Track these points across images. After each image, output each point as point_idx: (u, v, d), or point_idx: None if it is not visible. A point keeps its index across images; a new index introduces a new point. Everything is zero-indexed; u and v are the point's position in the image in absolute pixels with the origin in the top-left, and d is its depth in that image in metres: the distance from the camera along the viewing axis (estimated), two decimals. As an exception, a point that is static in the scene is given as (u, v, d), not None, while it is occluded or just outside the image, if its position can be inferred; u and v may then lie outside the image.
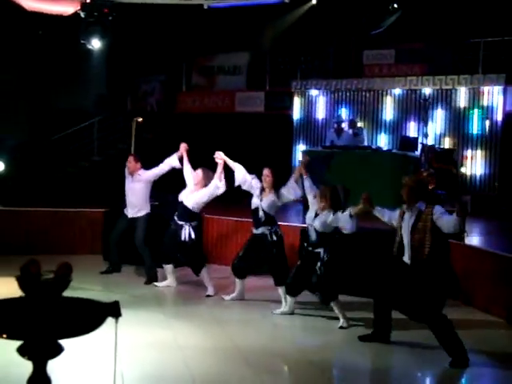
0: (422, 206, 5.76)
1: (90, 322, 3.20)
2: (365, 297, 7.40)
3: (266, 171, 7.32)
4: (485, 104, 12.55)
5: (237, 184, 7.63)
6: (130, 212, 8.63)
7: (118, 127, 15.46)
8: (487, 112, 12.55)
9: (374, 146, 12.39)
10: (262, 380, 5.12)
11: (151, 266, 8.58)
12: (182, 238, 7.94)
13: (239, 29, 13.94)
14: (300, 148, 14.12)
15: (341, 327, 6.61)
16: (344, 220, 6.43)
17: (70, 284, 3.35)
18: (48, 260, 3.65)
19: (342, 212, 6.48)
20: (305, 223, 7.25)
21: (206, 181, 7.94)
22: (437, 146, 12.60)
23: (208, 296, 7.94)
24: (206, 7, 12.50)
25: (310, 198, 6.98)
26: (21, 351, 3.16)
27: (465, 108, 12.78)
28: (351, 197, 11.27)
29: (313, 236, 6.73)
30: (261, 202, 7.31)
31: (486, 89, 12.50)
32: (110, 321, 3.42)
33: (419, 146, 12.49)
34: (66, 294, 3.48)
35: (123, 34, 13.75)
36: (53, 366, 3.35)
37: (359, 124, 13.33)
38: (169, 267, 8.31)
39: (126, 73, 16.15)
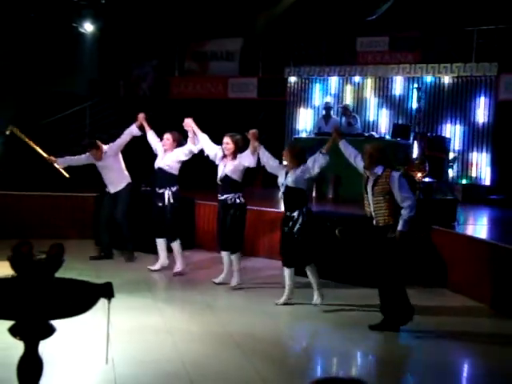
0: (380, 169, 5.95)
1: (82, 302, 3.20)
2: (360, 285, 7.46)
3: (225, 139, 7.44)
4: (478, 92, 12.57)
5: (205, 153, 7.73)
6: (111, 188, 8.67)
7: (109, 112, 15.38)
8: (481, 100, 12.56)
9: (366, 134, 12.39)
10: (253, 365, 5.13)
11: (129, 241, 8.66)
12: (161, 204, 8.02)
13: (232, 14, 13.86)
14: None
15: (315, 305, 6.72)
16: (315, 159, 6.64)
17: (62, 265, 3.34)
18: (38, 244, 3.63)
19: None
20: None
21: (177, 142, 8.03)
22: (429, 133, 12.61)
23: (175, 274, 8.03)
24: (199, -8, 12.44)
25: (270, 166, 7.06)
26: (13, 331, 3.15)
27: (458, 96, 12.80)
28: (343, 184, 11.44)
29: (286, 197, 6.80)
30: (224, 167, 7.44)
31: (479, 77, 12.51)
32: (101, 303, 3.42)
33: (411, 134, 12.53)
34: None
35: (116, 18, 13.65)
36: (44, 347, 3.35)
37: (351, 110, 13.29)
38: (161, 242, 8.29)
39: (118, 57, 16.04)
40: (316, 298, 6.84)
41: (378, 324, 6.10)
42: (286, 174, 6.80)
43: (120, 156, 8.73)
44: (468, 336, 6.15)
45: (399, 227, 5.84)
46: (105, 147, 8.67)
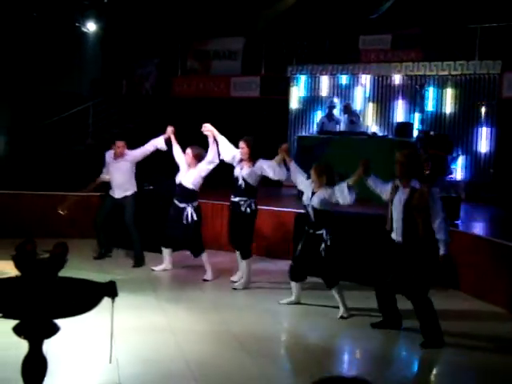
0: (416, 183, 5.72)
1: (86, 301, 3.20)
2: (364, 284, 7.43)
3: (241, 143, 7.47)
4: (481, 90, 12.55)
5: (221, 157, 7.72)
6: (117, 192, 8.63)
7: (112, 111, 15.40)
8: (483, 98, 12.53)
9: (369, 132, 12.39)
10: (257, 364, 5.14)
11: (139, 248, 8.62)
12: (185, 221, 7.94)
13: (235, 13, 13.85)
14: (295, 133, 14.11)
15: (341, 317, 6.52)
16: (342, 191, 6.39)
17: (66, 264, 3.35)
18: (42, 243, 3.63)
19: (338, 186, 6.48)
20: (299, 209, 7.24)
21: (198, 158, 7.95)
22: (431, 131, 12.59)
23: (205, 280, 7.96)
24: (201, -9, 12.44)
25: (299, 181, 6.95)
26: (17, 330, 3.16)
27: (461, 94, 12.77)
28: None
29: (312, 217, 6.64)
30: (241, 170, 7.43)
31: (482, 75, 12.47)
32: (105, 302, 3.42)
33: (414, 132, 12.52)
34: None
35: (118, 17, 13.65)
36: (49, 346, 3.35)
37: (354, 108, 13.26)
38: (167, 250, 8.32)
39: (121, 57, 16.06)
40: (342, 311, 6.58)
41: (380, 322, 6.11)
42: (313, 194, 6.61)
43: (135, 166, 8.68)
44: (479, 339, 6.12)
45: (443, 251, 5.59)
46: (127, 150, 8.60)
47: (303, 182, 6.86)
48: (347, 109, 12.90)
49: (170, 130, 8.32)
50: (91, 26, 12.13)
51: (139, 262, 8.57)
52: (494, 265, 7.25)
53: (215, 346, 5.54)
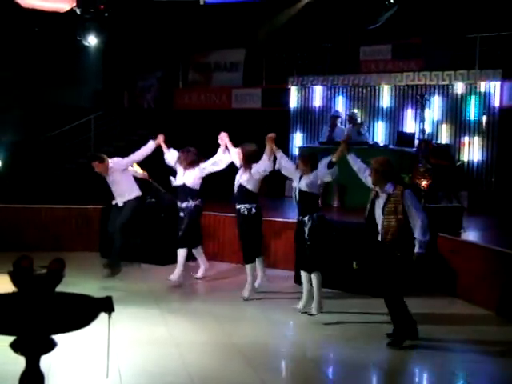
0: (390, 188, 5.88)
1: (82, 317, 3.20)
2: (359, 293, 7.44)
3: (237, 150, 7.69)
4: (481, 99, 12.54)
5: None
6: (120, 200, 8.58)
7: (114, 124, 15.44)
8: (484, 108, 12.52)
9: (370, 142, 12.38)
10: (259, 376, 5.12)
11: (116, 254, 8.44)
12: (181, 214, 8.24)
13: (235, 25, 13.91)
14: (296, 143, 14.12)
15: (310, 314, 6.71)
16: (324, 168, 6.70)
17: (62, 279, 3.34)
18: (45, 257, 3.63)
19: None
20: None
21: (191, 159, 8.21)
22: (434, 141, 12.58)
23: (196, 279, 8.23)
24: (202, 3, 12.48)
25: (286, 169, 7.18)
26: (14, 347, 3.15)
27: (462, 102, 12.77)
28: (348, 193, 11.42)
29: (300, 202, 6.87)
30: (240, 178, 7.56)
31: (482, 84, 12.47)
32: (104, 316, 3.41)
33: (416, 142, 12.50)
34: (61, 290, 3.47)
35: (119, 30, 13.71)
36: (46, 362, 3.34)
37: (359, 119, 13.25)
38: (182, 252, 8.30)
39: (122, 69, 16.12)
40: (314, 308, 6.78)
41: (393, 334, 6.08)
42: (300, 178, 6.90)
43: (129, 170, 8.67)
44: (475, 343, 6.13)
45: (417, 249, 5.73)
46: (110, 162, 8.49)
47: (291, 170, 7.13)
48: (352, 119, 12.87)
49: (161, 137, 8.51)
50: (92, 40, 12.15)
51: (114, 271, 8.40)
52: (488, 270, 7.26)
53: (218, 358, 5.53)
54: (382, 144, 12.60)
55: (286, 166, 7.18)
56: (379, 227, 5.94)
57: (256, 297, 7.61)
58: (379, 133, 13.49)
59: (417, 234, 5.75)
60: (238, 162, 7.76)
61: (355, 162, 6.53)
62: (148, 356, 5.48)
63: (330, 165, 6.69)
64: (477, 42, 12.61)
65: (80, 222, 10.43)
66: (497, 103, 12.32)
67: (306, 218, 6.80)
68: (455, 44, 13.05)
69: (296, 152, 13.20)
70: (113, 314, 3.35)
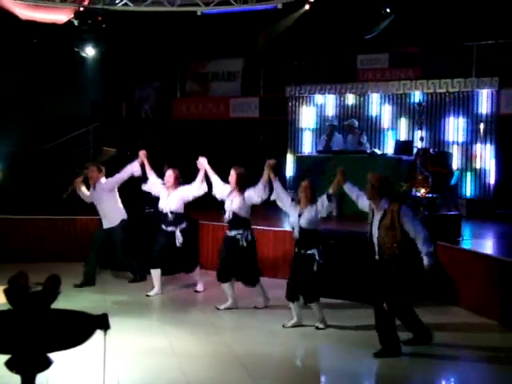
0: (386, 204, 5.86)
1: (78, 335, 3.18)
2: (363, 302, 7.41)
3: (231, 171, 7.44)
4: (478, 107, 12.56)
5: (214, 193, 7.75)
6: (104, 223, 8.62)
7: (112, 134, 15.45)
8: (481, 116, 12.54)
9: (368, 151, 12.38)
10: (257, 386, 5.11)
11: (137, 268, 8.77)
12: (177, 244, 8.06)
13: (233, 35, 13.94)
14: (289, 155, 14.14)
15: (317, 327, 6.68)
16: (323, 203, 6.59)
17: (58, 296, 3.34)
18: (43, 268, 3.64)
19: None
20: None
21: (179, 179, 8.12)
22: (431, 149, 12.58)
23: (196, 291, 8.19)
24: (199, 14, 12.54)
25: (282, 202, 6.99)
26: (9, 365, 3.14)
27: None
28: (347, 202, 11.40)
29: (301, 238, 6.71)
30: (231, 203, 7.37)
31: (479, 92, 12.50)
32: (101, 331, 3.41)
33: (414, 150, 12.50)
34: (61, 301, 3.48)
35: (117, 40, 13.75)
36: (43, 376, 3.33)
37: (356, 127, 13.24)
38: (156, 273, 8.24)
39: (120, 79, 16.15)
40: (320, 323, 6.76)
41: (410, 340, 6.09)
42: (299, 215, 6.70)
43: (116, 192, 8.64)
44: (475, 353, 6.12)
45: (426, 262, 5.70)
46: (103, 179, 8.56)
47: (287, 204, 6.94)
48: (351, 128, 12.85)
49: (142, 153, 8.37)
50: (90, 51, 12.21)
51: (141, 278, 8.74)
52: (489, 279, 7.25)
53: (218, 368, 5.52)
54: (379, 152, 12.60)
55: (283, 198, 6.96)
56: (375, 244, 5.91)
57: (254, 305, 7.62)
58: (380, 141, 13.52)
59: (422, 247, 5.72)
60: (218, 190, 7.56)
61: (352, 192, 6.44)
62: (147, 367, 5.48)
63: (329, 198, 6.59)
64: (473, 49, 12.65)
65: (79, 233, 10.41)
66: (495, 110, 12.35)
67: (315, 252, 6.62)
68: (452, 52, 13.08)
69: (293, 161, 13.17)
70: (112, 325, 3.34)
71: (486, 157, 12.47)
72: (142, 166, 8.38)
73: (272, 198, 7.10)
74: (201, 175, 7.88)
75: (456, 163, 12.63)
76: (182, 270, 8.38)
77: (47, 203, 11.78)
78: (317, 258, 6.62)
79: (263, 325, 6.93)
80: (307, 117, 14.28)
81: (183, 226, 8.15)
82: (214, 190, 7.69)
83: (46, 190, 13.10)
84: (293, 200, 6.91)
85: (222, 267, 7.48)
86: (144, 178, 8.42)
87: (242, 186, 7.33)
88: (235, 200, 7.34)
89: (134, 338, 6.17)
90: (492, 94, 12.36)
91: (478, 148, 12.53)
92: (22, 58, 14.33)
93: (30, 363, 3.14)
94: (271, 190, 7.13)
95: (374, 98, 13.59)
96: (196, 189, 7.98)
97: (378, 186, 5.90)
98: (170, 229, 8.09)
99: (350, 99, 13.86)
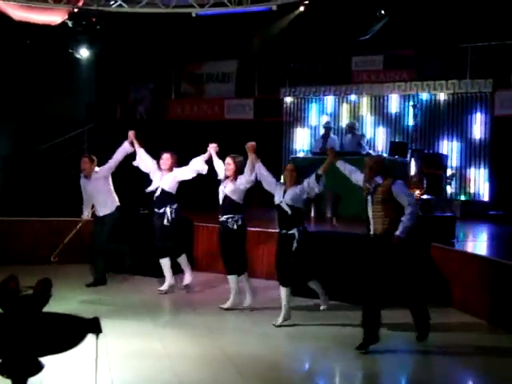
0: (380, 179, 5.95)
1: (70, 339, 3.17)
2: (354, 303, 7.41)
3: (227, 159, 7.49)
4: (474, 108, 12.60)
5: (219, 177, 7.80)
6: (99, 210, 8.62)
7: (107, 136, 15.42)
8: (477, 116, 12.58)
9: (363, 152, 12.39)
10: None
11: (102, 270, 8.67)
12: (164, 222, 8.14)
13: (228, 36, 13.95)
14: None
15: (322, 309, 7.03)
16: (312, 182, 6.69)
17: (49, 299, 3.32)
18: (38, 270, 3.62)
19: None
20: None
21: (175, 163, 8.18)
22: (425, 150, 12.61)
23: (186, 286, 8.25)
24: (194, 15, 12.53)
25: (267, 181, 7.05)
26: (-1, 369, 3.12)
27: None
28: (342, 203, 11.42)
29: (284, 216, 6.78)
30: (224, 188, 7.45)
31: (474, 94, 12.53)
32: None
33: (409, 151, 12.52)
34: (56, 303, 3.47)
35: (112, 42, 13.73)
36: (36, 379, 3.31)
37: (357, 128, 13.24)
38: (166, 262, 8.32)
39: (115, 81, 16.13)
40: (323, 302, 7.14)
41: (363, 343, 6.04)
42: (284, 192, 6.82)
43: (110, 179, 8.69)
44: (466, 352, 6.13)
45: (397, 232, 5.80)
46: (97, 168, 8.61)
47: (272, 183, 7.02)
48: (351, 129, 12.87)
49: (131, 133, 8.49)
50: (84, 52, 12.18)
51: (97, 283, 8.61)
52: (480, 280, 7.27)
53: (211, 370, 5.50)
54: (374, 153, 12.61)
55: (267, 179, 7.03)
56: (370, 219, 6.00)
57: (248, 307, 7.59)
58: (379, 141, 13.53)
59: (403, 217, 5.81)
60: (221, 173, 7.63)
61: (345, 167, 6.59)
62: (141, 369, 5.45)
63: (317, 177, 6.69)
64: (468, 51, 12.69)
65: (74, 235, 10.37)
66: (489, 112, 12.38)
67: (293, 232, 6.73)
68: (446, 54, 13.11)
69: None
70: (105, 327, 3.33)
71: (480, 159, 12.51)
72: (132, 144, 8.49)
73: (258, 178, 7.18)
74: (206, 156, 7.97)
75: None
76: (167, 254, 8.32)
77: (42, 205, 11.77)
78: (296, 237, 6.70)
79: (258, 327, 6.90)
80: (302, 118, 14.28)
81: (174, 206, 8.20)
82: (219, 173, 7.69)
83: (40, 192, 13.09)
84: (278, 181, 7.07)
85: (223, 261, 7.62)
86: (135, 157, 8.49)
87: (238, 173, 7.42)
88: (229, 185, 7.43)
89: (126, 339, 6.15)
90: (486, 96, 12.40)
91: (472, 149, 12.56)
92: (16, 60, 14.29)
93: (21, 367, 3.12)
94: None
95: (368, 99, 13.61)
96: (197, 165, 8.02)
97: (375, 167, 6.00)
98: (162, 210, 8.15)
99: (345, 100, 13.88)
